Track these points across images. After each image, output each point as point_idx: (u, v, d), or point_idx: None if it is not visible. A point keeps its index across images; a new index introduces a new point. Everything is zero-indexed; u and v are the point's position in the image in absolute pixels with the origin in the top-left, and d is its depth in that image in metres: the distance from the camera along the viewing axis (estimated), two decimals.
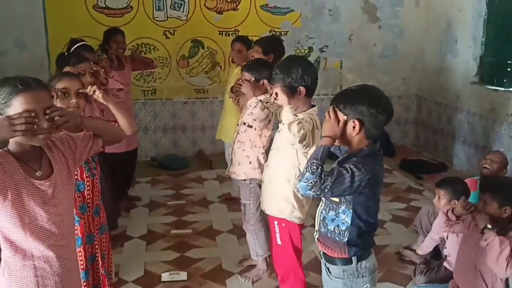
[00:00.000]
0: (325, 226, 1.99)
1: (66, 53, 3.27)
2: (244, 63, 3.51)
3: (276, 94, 2.47)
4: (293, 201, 2.58)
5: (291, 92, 2.46)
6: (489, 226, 2.49)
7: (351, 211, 1.90)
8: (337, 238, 1.94)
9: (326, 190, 1.79)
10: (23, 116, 1.54)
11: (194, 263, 3.50)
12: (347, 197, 1.88)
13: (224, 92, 4.56)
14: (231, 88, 3.61)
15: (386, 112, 1.89)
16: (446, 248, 3.16)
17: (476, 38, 5.24)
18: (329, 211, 1.96)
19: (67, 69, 2.66)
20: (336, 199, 1.90)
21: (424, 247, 3.34)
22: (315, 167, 1.77)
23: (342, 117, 1.87)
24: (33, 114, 1.56)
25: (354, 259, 1.95)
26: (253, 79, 3.06)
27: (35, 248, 1.65)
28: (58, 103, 2.22)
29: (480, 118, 5.17)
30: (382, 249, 3.63)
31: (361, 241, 1.94)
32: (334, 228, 1.94)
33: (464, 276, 2.72)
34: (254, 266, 3.37)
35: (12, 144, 1.64)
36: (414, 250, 3.53)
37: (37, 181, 1.65)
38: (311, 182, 1.76)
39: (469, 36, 5.36)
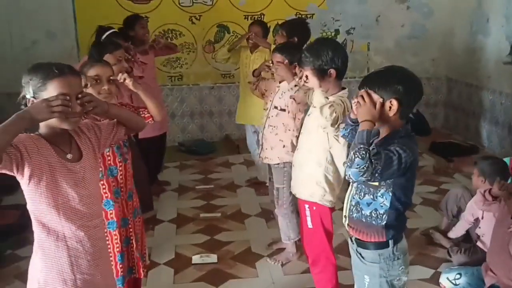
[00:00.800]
0: (358, 211, 1.96)
1: (100, 41, 3.31)
2: (275, 46, 3.47)
3: (306, 77, 2.45)
4: (324, 184, 2.57)
5: (321, 74, 2.44)
6: None
7: (390, 194, 1.87)
8: (373, 222, 1.91)
9: (376, 175, 1.75)
10: (59, 98, 1.58)
11: (223, 246, 3.55)
12: (388, 180, 1.85)
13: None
14: (253, 72, 3.56)
15: (418, 90, 1.89)
16: (480, 228, 3.11)
17: (509, 16, 5.07)
18: (364, 196, 1.93)
19: (107, 57, 2.70)
20: (376, 183, 1.87)
21: (457, 230, 3.32)
22: (363, 152, 1.73)
23: (377, 99, 1.83)
24: (68, 98, 1.61)
25: (391, 242, 1.93)
26: (287, 61, 3.03)
27: (68, 228, 1.69)
28: (90, 90, 2.26)
29: None
30: (412, 232, 3.61)
31: (398, 223, 1.93)
32: (370, 213, 1.91)
33: (497, 258, 2.69)
34: (283, 249, 3.40)
35: (43, 128, 1.68)
36: (442, 232, 3.50)
37: (68, 163, 1.70)
38: (363, 168, 1.72)
39: (501, 15, 5.19)
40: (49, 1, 5.48)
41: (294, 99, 3.01)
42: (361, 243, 2.00)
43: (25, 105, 1.67)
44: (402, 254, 1.97)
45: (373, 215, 1.91)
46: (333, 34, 5.98)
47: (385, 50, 6.12)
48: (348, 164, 1.76)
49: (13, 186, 4.51)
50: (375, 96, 1.85)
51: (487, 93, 5.47)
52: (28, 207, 1.69)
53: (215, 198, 4.40)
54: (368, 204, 1.92)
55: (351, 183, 2.01)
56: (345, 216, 2.05)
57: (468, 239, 3.32)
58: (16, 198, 4.32)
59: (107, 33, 3.56)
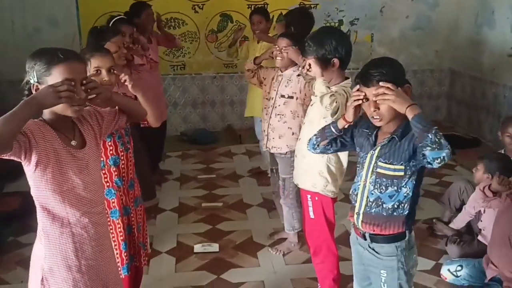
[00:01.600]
0: (379, 206, 1.91)
1: (98, 27, 3.29)
2: (280, 33, 3.45)
3: (310, 65, 2.44)
4: (326, 175, 2.57)
5: (324, 64, 2.42)
6: None
7: (414, 182, 1.87)
8: (395, 213, 1.89)
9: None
10: (65, 83, 1.56)
11: (225, 235, 3.56)
12: (413, 167, 1.84)
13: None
14: (254, 59, 3.53)
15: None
16: (481, 221, 3.12)
17: None
18: (386, 189, 1.89)
19: (107, 45, 2.67)
20: (401, 173, 1.85)
21: (458, 221, 3.33)
22: (440, 133, 1.68)
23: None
24: (73, 83, 1.59)
25: (407, 232, 1.93)
26: (292, 47, 3.01)
27: (72, 215, 1.70)
28: None
29: None
30: (414, 224, 3.60)
31: (414, 212, 1.94)
32: (393, 205, 1.89)
33: (498, 250, 2.69)
34: (285, 239, 3.41)
35: (47, 114, 1.67)
36: (445, 223, 3.51)
37: (73, 150, 1.70)
38: (447, 145, 1.67)
39: (507, 7, 5.15)
40: None
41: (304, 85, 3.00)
42: (376, 238, 1.96)
43: (29, 90, 1.65)
44: (413, 242, 1.99)
45: (395, 206, 1.89)
46: (336, 24, 5.94)
47: (389, 41, 6.08)
48: (436, 147, 1.67)
49: (15, 172, 4.55)
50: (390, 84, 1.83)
51: (491, 85, 5.44)
52: (33, 193, 1.68)
53: (217, 188, 4.41)
54: (391, 197, 1.89)
55: (362, 179, 1.96)
56: (357, 213, 1.98)
57: (470, 231, 3.32)
58: (18, 185, 4.33)
59: (114, 19, 3.54)
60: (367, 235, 1.99)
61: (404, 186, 1.87)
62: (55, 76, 1.61)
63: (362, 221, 1.97)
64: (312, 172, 2.60)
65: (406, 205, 1.88)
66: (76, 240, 1.72)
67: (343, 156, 2.58)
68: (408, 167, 1.85)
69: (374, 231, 1.95)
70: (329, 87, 2.39)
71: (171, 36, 4.68)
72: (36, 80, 1.63)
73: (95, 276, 1.77)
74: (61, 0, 5.49)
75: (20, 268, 3.13)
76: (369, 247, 2.00)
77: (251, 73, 3.37)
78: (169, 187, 4.45)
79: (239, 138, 5.65)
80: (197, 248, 3.36)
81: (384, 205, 1.91)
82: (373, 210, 1.94)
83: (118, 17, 3.64)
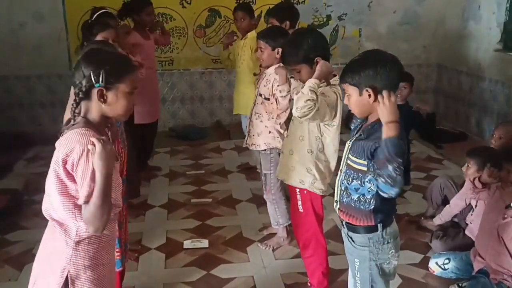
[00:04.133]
0: (348, 196, 1.97)
1: (89, 21, 3.28)
2: (260, 31, 3.45)
3: (299, 72, 2.45)
4: (315, 172, 2.57)
5: (309, 65, 2.43)
6: None
7: (377, 180, 1.86)
8: (362, 207, 1.93)
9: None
10: (108, 142, 1.65)
11: (215, 231, 3.56)
12: (375, 165, 1.85)
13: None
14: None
15: (396, 68, 1.83)
16: (471, 214, 3.14)
17: (500, 3, 5.08)
18: (352, 181, 1.94)
19: (99, 37, 2.68)
20: (364, 168, 1.88)
21: (445, 215, 3.35)
22: (402, 168, 1.69)
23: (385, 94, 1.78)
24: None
25: (379, 226, 1.94)
26: (269, 47, 3.03)
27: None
28: None
29: (503, 86, 5.07)
30: (402, 218, 3.64)
31: (386, 207, 1.94)
32: (358, 197, 1.92)
33: (486, 243, 2.72)
34: (274, 234, 3.42)
35: (95, 116, 1.71)
36: (428, 219, 3.54)
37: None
38: (401, 183, 1.71)
39: (492, 2, 5.20)
40: None
41: (277, 86, 3.02)
42: (351, 227, 2.01)
43: (85, 92, 1.67)
44: (392, 238, 1.99)
45: (361, 199, 1.92)
46: (325, 20, 5.95)
47: (377, 36, 6.11)
48: (390, 182, 1.70)
49: (1, 170, 4.48)
50: (351, 88, 1.85)
51: (477, 80, 5.49)
52: (70, 193, 1.65)
53: (206, 184, 4.40)
54: (356, 190, 1.93)
55: (340, 168, 2.02)
56: (336, 200, 2.06)
57: (455, 225, 3.35)
58: (5, 183, 4.30)
59: (97, 13, 3.51)
60: (344, 223, 2.05)
61: (368, 181, 1.88)
62: (127, 84, 1.69)
63: (339, 209, 2.04)
64: (300, 168, 2.60)
65: (372, 200, 1.88)
66: (103, 240, 1.75)
67: (331, 154, 2.58)
68: (370, 164, 1.86)
69: (348, 220, 2.00)
70: (315, 92, 2.29)
71: (169, 36, 4.71)
72: (104, 85, 1.66)
73: (112, 272, 1.85)
74: None
75: (8, 266, 3.10)
76: (348, 235, 2.05)
77: (256, 79, 3.43)
78: (158, 183, 4.43)
79: (228, 133, 5.64)
80: (187, 244, 3.36)
81: (352, 196, 1.95)
82: (344, 200, 2.00)
83: (101, 11, 3.60)
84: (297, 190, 2.66)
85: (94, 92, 1.67)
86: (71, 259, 1.70)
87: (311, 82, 2.27)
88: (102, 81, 1.65)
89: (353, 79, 1.85)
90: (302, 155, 2.58)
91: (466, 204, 3.16)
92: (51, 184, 1.66)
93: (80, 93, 1.67)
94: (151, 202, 4.04)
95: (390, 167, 1.68)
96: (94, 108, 1.70)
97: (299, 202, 2.67)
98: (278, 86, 3.05)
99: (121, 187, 1.82)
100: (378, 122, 1.86)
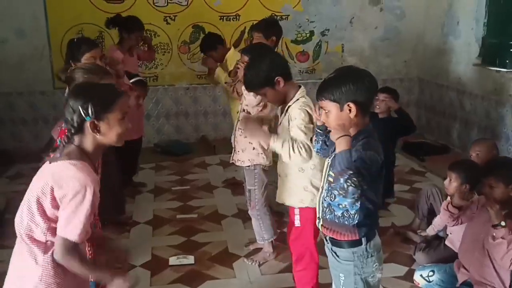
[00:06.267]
0: (331, 212, 1.97)
1: (75, 40, 3.28)
2: (245, 47, 3.49)
3: (265, 95, 2.51)
4: (311, 189, 2.57)
5: (272, 86, 2.48)
6: (503, 223, 2.48)
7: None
8: (346, 222, 1.93)
9: (363, 191, 1.78)
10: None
11: (200, 247, 3.54)
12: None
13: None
14: (229, 73, 3.56)
15: (371, 84, 1.91)
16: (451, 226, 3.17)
17: (478, 19, 5.21)
18: (335, 198, 1.91)
19: (85, 57, 2.74)
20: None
21: (436, 225, 3.32)
22: (355, 179, 1.73)
23: (345, 107, 1.86)
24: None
25: (364, 239, 1.96)
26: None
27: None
28: None
29: (482, 100, 5.17)
30: (387, 231, 3.67)
31: (370, 221, 1.96)
32: (342, 213, 1.92)
33: (470, 255, 2.74)
34: (260, 249, 3.41)
35: (90, 146, 1.75)
36: (413, 230, 3.57)
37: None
38: (358, 196, 1.75)
39: (471, 17, 5.33)
40: None
41: (245, 98, 3.07)
42: (335, 242, 2.03)
43: (77, 127, 1.70)
44: (375, 251, 2.01)
45: (345, 215, 1.91)
46: (308, 35, 6.03)
47: (359, 51, 6.21)
48: (342, 194, 1.75)
49: None
50: (331, 105, 1.88)
51: (458, 93, 5.60)
52: (49, 216, 1.70)
53: (191, 199, 4.39)
54: (339, 205, 1.90)
55: (321, 185, 2.06)
56: (319, 217, 2.07)
57: (438, 236, 3.38)
58: None
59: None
60: (328, 239, 2.06)
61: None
62: (117, 112, 1.72)
63: (322, 225, 2.05)
64: (297, 189, 2.62)
65: (355, 215, 1.88)
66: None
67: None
68: None
69: (332, 235, 2.01)
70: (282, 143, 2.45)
71: (153, 52, 4.72)
72: (94, 117, 1.69)
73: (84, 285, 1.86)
74: (30, 11, 5.40)
75: None
76: (332, 250, 2.06)
77: (230, 87, 3.42)
78: (143, 199, 4.40)
79: (213, 148, 5.64)
80: (172, 260, 3.33)
81: (335, 213, 1.95)
82: (327, 216, 2.00)
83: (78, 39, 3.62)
84: (296, 207, 2.67)
85: (87, 126, 1.71)
86: (41, 278, 1.69)
87: (273, 146, 2.47)
88: (92, 114, 1.69)
89: (333, 95, 1.87)
90: (296, 175, 2.61)
91: (449, 231, 3.18)
92: (28, 207, 1.68)
93: (72, 128, 1.71)
94: (136, 218, 4.00)
95: (341, 179, 1.74)
96: (89, 140, 1.74)
97: (297, 217, 2.66)
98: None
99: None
100: (355, 137, 1.89)
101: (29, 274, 1.70)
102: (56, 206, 1.66)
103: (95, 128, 1.71)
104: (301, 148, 2.41)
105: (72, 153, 1.70)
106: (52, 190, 1.65)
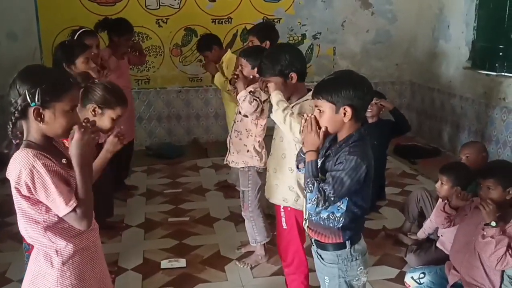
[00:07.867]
0: (317, 215, 1.99)
1: (67, 42, 3.29)
2: (243, 49, 3.49)
3: (266, 85, 2.50)
4: (297, 190, 2.58)
5: (283, 79, 2.47)
6: (493, 223, 2.49)
7: (347, 199, 1.91)
8: (331, 225, 1.95)
9: (332, 199, 1.83)
10: (89, 128, 1.65)
11: (192, 250, 3.53)
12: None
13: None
14: (230, 80, 3.56)
15: (369, 92, 1.95)
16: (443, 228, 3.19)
17: (469, 23, 5.26)
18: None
19: (77, 60, 2.76)
20: None
21: (427, 229, 3.34)
22: (311, 185, 1.84)
23: (325, 122, 1.90)
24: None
25: (348, 243, 1.97)
26: (249, 66, 3.07)
27: (87, 234, 1.73)
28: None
29: (473, 103, 5.22)
30: (378, 233, 3.69)
31: (355, 225, 1.97)
32: (328, 215, 1.95)
33: (461, 256, 2.75)
34: (252, 252, 3.41)
35: (36, 136, 1.64)
36: (404, 233, 3.59)
37: (68, 169, 1.66)
38: (315, 200, 1.81)
39: (461, 21, 5.38)
40: (10, 1, 5.31)
41: (241, 107, 3.06)
42: (320, 245, 2.04)
43: (21, 111, 1.60)
44: (360, 255, 2.02)
45: (331, 217, 1.94)
46: (299, 38, 6.06)
47: (350, 54, 6.24)
48: (307, 201, 1.84)
49: None
50: (327, 105, 1.90)
51: (449, 97, 5.64)
52: (38, 218, 1.63)
53: (183, 202, 4.38)
54: (326, 208, 1.93)
55: None
56: (305, 219, 2.09)
57: (429, 238, 3.40)
58: None
59: (79, 32, 3.52)
60: (313, 241, 2.07)
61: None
62: (65, 103, 1.61)
63: (308, 227, 2.07)
64: (283, 186, 2.62)
65: (341, 218, 1.92)
66: (86, 255, 1.74)
67: None
68: None
69: (317, 237, 2.03)
70: (285, 104, 2.43)
71: (144, 57, 4.72)
72: (40, 104, 1.58)
73: (104, 283, 1.85)
74: (21, 14, 5.37)
75: None
76: (317, 252, 2.07)
77: (233, 93, 3.44)
78: (135, 202, 4.39)
79: (205, 151, 5.64)
80: (164, 264, 3.33)
81: (321, 215, 1.97)
82: (313, 218, 2.02)
83: (82, 30, 3.62)
84: (281, 207, 2.68)
85: (30, 111, 1.59)
86: (57, 280, 1.68)
87: (275, 93, 2.44)
88: (38, 100, 1.57)
89: (332, 96, 1.89)
90: (284, 173, 2.61)
91: (441, 233, 3.20)
92: (17, 212, 1.65)
93: (16, 112, 1.59)
94: (127, 221, 3.99)
95: (307, 190, 1.85)
96: (33, 128, 1.62)
97: (283, 219, 2.68)
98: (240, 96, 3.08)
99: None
100: (345, 141, 1.91)
101: (44, 279, 1.69)
102: (33, 203, 1.60)
103: (39, 116, 1.58)
104: (292, 126, 2.39)
105: (21, 146, 1.63)
106: (17, 190, 1.59)
